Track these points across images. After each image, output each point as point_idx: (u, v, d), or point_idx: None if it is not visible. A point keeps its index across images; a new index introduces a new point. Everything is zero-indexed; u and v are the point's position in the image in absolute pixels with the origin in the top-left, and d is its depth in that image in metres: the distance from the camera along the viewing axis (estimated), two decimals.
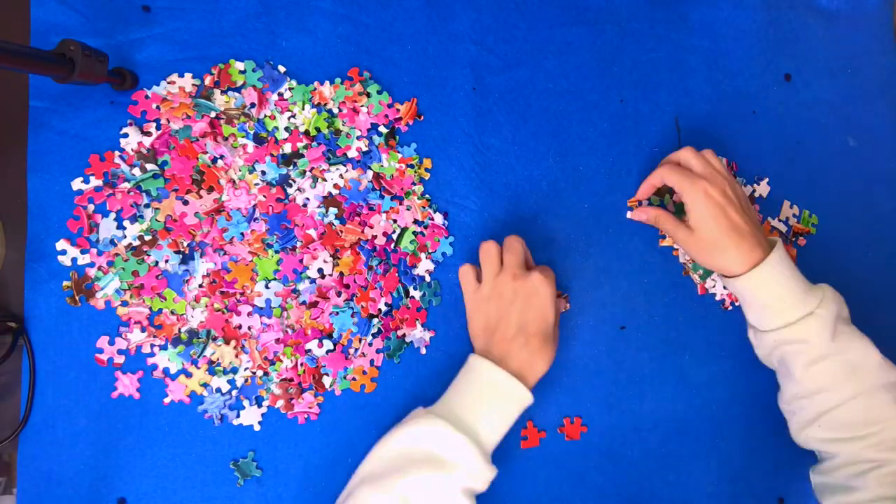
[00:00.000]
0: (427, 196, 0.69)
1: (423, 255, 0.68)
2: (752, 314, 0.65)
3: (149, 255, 0.63)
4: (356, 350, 0.66)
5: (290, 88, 0.67)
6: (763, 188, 0.75)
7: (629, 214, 0.68)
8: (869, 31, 0.80)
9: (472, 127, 0.70)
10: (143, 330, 0.63)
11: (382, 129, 0.68)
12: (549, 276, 0.60)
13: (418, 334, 0.67)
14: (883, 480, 0.55)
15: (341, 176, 0.67)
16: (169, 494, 0.62)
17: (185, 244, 0.64)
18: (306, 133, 0.67)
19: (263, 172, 0.66)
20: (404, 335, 0.67)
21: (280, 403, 0.64)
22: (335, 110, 0.68)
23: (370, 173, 0.68)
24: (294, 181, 0.66)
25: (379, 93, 0.69)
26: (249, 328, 0.64)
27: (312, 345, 0.65)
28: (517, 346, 0.57)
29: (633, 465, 0.69)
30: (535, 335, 0.57)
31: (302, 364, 0.65)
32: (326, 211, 0.66)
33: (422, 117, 0.70)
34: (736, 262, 0.61)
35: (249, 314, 0.64)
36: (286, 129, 0.67)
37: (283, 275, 0.65)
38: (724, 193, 0.61)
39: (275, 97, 0.67)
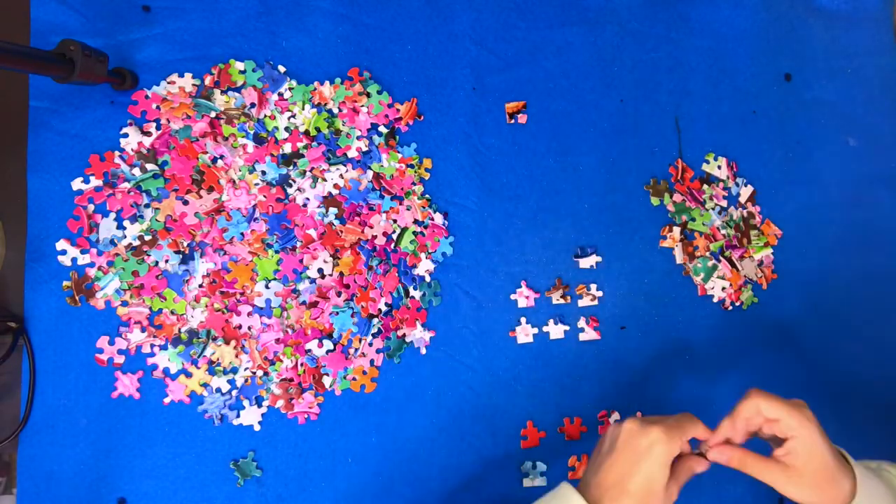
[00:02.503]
0: (427, 196, 0.69)
1: (423, 255, 0.68)
2: None
3: (149, 255, 0.63)
4: (356, 350, 0.66)
5: (290, 88, 0.67)
6: (746, 190, 0.75)
7: (708, 456, 0.57)
8: (869, 31, 0.80)
9: (472, 127, 0.70)
10: (143, 330, 0.63)
11: (382, 129, 0.68)
12: (672, 435, 0.52)
13: (418, 334, 0.67)
14: None
15: (341, 176, 0.67)
16: (169, 494, 0.62)
17: (185, 244, 0.64)
18: (306, 133, 0.67)
19: (263, 172, 0.66)
20: (404, 335, 0.67)
21: (280, 403, 0.64)
22: (335, 110, 0.68)
23: (370, 173, 0.68)
24: (294, 181, 0.66)
25: (379, 93, 0.69)
26: (249, 328, 0.64)
27: (312, 345, 0.65)
28: (609, 497, 0.52)
29: None
30: (630, 495, 0.52)
31: (302, 364, 0.65)
32: (326, 211, 0.66)
33: (422, 117, 0.70)
34: (846, 489, 0.52)
35: (249, 314, 0.64)
36: (286, 129, 0.67)
37: (283, 275, 0.65)
38: (822, 434, 0.52)
39: (275, 97, 0.67)
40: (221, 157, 0.65)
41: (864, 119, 0.79)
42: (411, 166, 0.68)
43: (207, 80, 0.66)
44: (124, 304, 0.63)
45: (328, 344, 0.65)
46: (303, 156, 0.66)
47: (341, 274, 0.66)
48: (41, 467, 0.61)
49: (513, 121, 0.71)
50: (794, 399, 0.54)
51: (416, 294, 0.67)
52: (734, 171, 0.74)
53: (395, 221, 0.68)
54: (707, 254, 0.73)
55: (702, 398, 0.71)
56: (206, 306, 0.64)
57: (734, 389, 0.72)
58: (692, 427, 0.55)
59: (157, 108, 0.65)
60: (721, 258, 0.73)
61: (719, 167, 0.74)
